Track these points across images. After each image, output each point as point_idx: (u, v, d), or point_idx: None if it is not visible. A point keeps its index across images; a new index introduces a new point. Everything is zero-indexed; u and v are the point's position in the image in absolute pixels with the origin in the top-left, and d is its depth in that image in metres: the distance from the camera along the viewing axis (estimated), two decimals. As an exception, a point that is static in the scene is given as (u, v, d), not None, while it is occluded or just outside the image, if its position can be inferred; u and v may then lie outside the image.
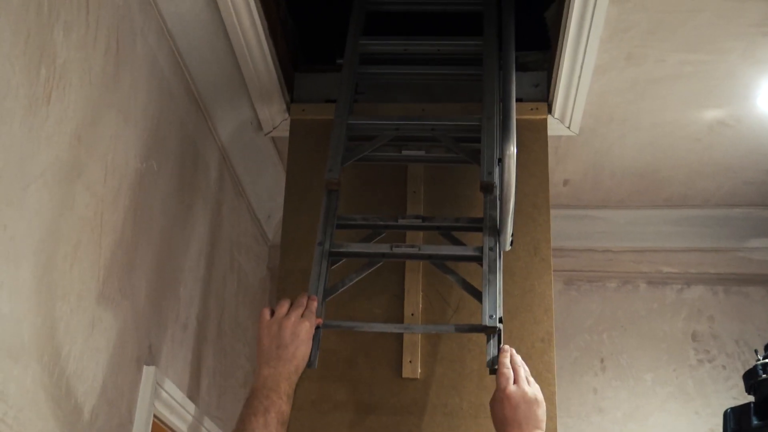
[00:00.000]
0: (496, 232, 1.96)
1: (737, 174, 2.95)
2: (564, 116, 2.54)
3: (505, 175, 1.90)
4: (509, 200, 1.90)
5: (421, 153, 2.24)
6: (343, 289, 1.97)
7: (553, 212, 2.37)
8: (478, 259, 1.93)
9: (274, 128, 2.67)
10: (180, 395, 2.25)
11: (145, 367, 2.04)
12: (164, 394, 2.14)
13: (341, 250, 1.99)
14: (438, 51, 2.44)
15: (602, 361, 3.17)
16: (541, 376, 2.13)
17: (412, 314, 2.24)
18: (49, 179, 1.59)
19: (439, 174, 2.41)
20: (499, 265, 1.91)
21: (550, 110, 2.50)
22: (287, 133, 2.55)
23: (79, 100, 1.71)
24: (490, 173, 2.00)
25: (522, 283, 2.24)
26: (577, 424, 3.07)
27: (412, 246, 2.07)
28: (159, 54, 2.14)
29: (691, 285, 3.24)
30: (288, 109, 2.59)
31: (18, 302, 1.49)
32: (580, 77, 2.39)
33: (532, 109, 2.47)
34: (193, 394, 2.40)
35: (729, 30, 2.27)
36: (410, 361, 2.19)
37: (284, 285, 2.31)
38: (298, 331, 1.73)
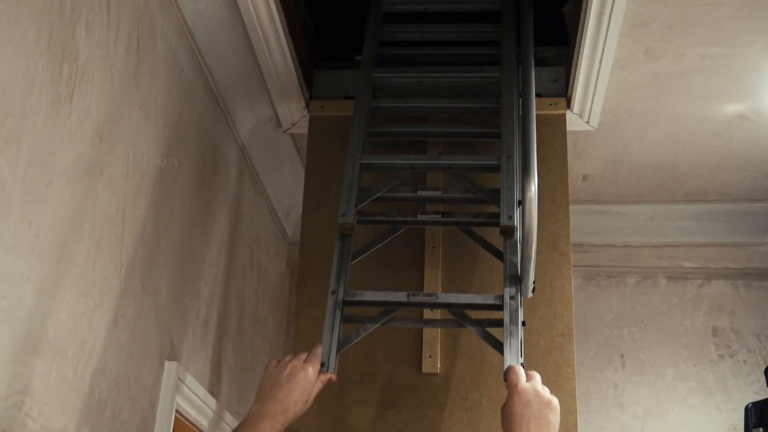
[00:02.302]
0: (518, 279, 1.86)
1: (758, 168, 2.93)
2: (583, 111, 2.53)
3: (527, 218, 1.80)
4: (531, 244, 1.79)
5: (438, 193, 2.15)
6: (357, 340, 1.88)
7: (572, 207, 2.37)
8: (499, 308, 1.84)
9: (293, 125, 2.68)
10: (201, 390, 2.27)
11: (167, 362, 2.06)
12: (186, 390, 2.15)
13: (356, 299, 1.90)
14: (455, 81, 2.39)
15: (622, 356, 3.16)
16: (561, 370, 2.14)
17: (432, 309, 2.24)
18: (71, 176, 1.61)
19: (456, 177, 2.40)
20: (521, 314, 1.81)
21: (568, 105, 2.50)
22: (306, 130, 2.56)
23: (101, 98, 1.72)
24: (511, 217, 1.91)
25: (541, 278, 2.23)
26: (597, 420, 3.07)
27: (430, 294, 2.01)
28: (179, 52, 2.15)
29: (711, 280, 3.22)
30: (307, 105, 2.60)
31: (42, 298, 1.51)
32: (599, 72, 2.39)
33: (550, 105, 2.47)
34: (214, 390, 2.41)
35: (749, 23, 2.26)
36: (430, 356, 2.19)
37: (303, 281, 2.32)
38: (295, 374, 1.70)
